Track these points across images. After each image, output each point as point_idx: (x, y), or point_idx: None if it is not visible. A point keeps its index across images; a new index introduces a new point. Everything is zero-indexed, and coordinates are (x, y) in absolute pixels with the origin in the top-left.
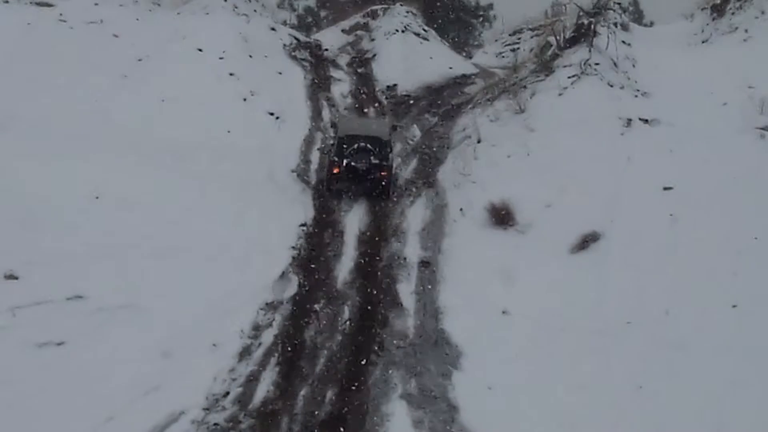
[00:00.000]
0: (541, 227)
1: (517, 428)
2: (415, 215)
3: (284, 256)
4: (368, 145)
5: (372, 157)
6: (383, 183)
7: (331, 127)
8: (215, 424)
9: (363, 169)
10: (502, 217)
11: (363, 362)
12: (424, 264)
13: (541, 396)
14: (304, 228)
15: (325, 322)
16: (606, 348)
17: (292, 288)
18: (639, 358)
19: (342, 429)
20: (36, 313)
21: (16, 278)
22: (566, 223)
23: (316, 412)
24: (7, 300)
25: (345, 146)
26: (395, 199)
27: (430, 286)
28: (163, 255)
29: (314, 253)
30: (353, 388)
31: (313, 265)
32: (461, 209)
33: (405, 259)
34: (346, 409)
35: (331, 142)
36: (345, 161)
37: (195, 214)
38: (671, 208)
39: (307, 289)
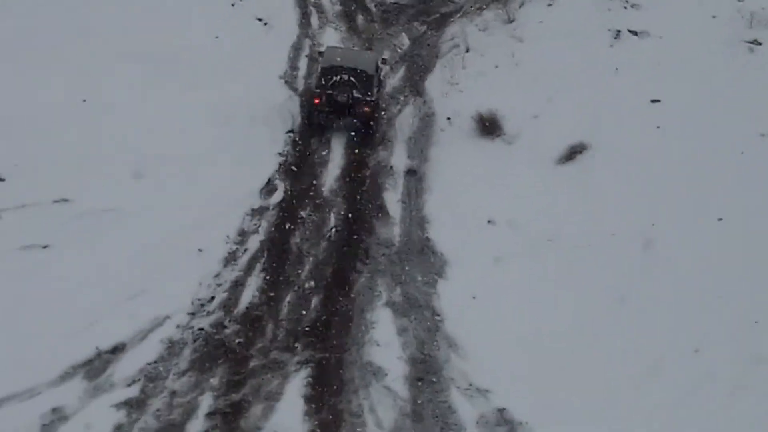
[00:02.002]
0: (528, 138)
1: (500, 337)
2: (402, 124)
3: (271, 163)
4: (352, 78)
5: (354, 91)
6: (366, 119)
7: (318, 55)
8: (200, 328)
9: (344, 102)
10: (489, 127)
11: (349, 270)
12: (411, 173)
13: (525, 306)
14: (291, 135)
15: (311, 229)
16: (590, 259)
17: (278, 194)
18: (622, 270)
19: (327, 335)
20: (21, 216)
21: (2, 180)
22: (553, 134)
23: (301, 319)
24: None
25: (327, 78)
26: (385, 109)
27: (416, 195)
28: (150, 160)
29: (301, 160)
30: (339, 295)
31: (299, 172)
32: (449, 118)
33: (392, 167)
34: (331, 316)
35: (317, 66)
36: (326, 93)
37: (182, 119)
38: (658, 121)
39: (293, 195)
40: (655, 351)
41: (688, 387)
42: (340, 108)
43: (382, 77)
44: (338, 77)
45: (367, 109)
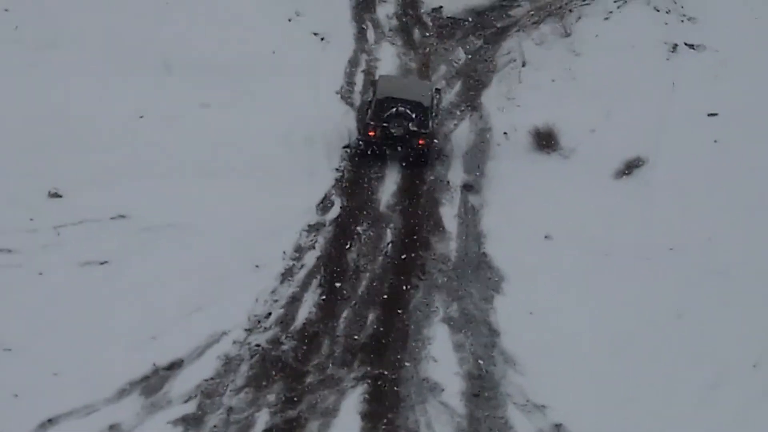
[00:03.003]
0: (585, 152)
1: (557, 353)
2: (458, 138)
3: (327, 178)
4: (407, 110)
5: (410, 124)
6: (421, 151)
7: (370, 85)
8: (257, 345)
9: (399, 135)
10: (546, 141)
11: (405, 285)
12: (467, 188)
13: (582, 321)
14: (348, 150)
15: (367, 244)
16: (649, 274)
17: (334, 210)
18: (682, 285)
19: (383, 351)
20: (80, 232)
21: (60, 196)
22: (610, 148)
23: (358, 335)
24: (52, 218)
25: (382, 109)
26: (438, 124)
27: (473, 210)
28: (207, 174)
29: (357, 175)
30: (395, 311)
31: (356, 188)
32: (505, 133)
33: (448, 182)
34: (387, 331)
35: (369, 99)
36: (381, 125)
37: (238, 134)
38: (716, 135)
39: (349, 211)
40: (715, 366)
41: (748, 402)
42: (396, 140)
43: (436, 106)
44: (394, 109)
45: (422, 141)
